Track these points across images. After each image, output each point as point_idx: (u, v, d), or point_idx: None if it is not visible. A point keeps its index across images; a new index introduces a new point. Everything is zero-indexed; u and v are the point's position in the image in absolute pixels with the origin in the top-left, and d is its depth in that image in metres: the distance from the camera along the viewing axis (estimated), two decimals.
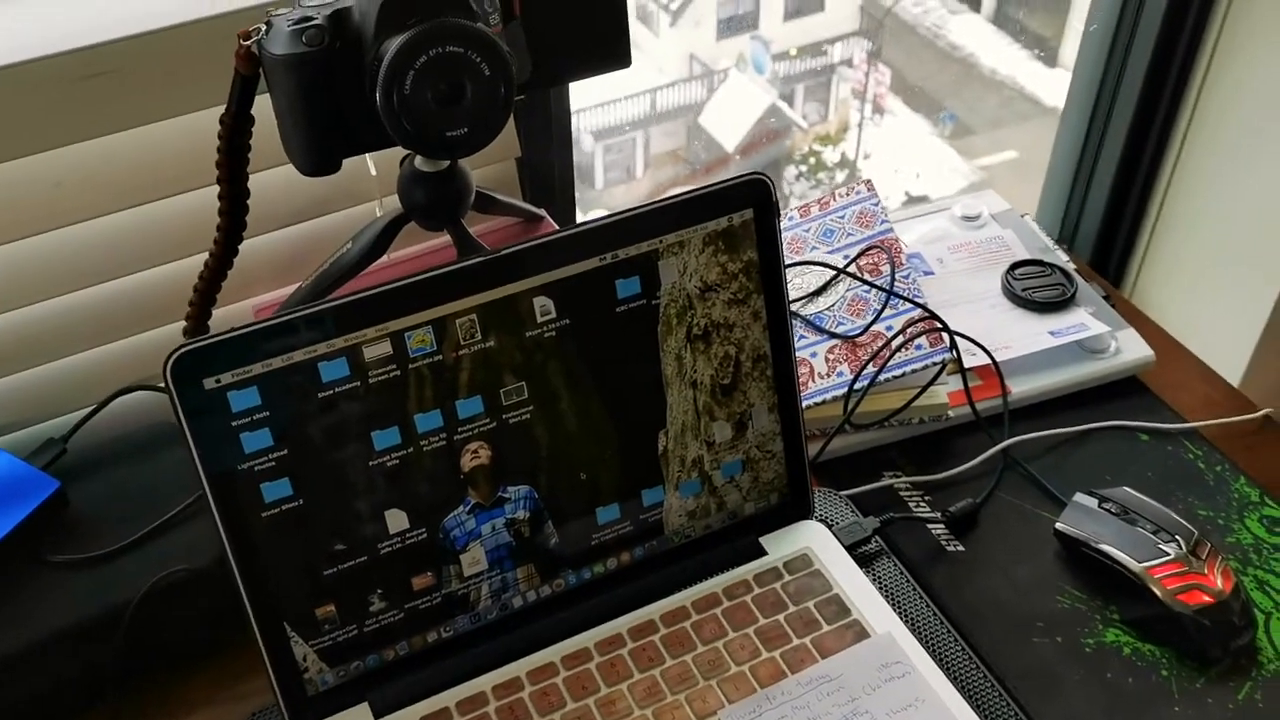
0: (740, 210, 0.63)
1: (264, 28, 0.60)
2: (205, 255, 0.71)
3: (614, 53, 0.69)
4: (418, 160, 0.66)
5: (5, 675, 0.63)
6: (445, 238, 0.71)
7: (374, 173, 0.76)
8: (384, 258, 0.73)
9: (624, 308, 0.62)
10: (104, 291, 0.72)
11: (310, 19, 0.58)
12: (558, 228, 0.81)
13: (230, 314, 0.75)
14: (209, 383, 0.55)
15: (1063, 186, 1.16)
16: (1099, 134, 1.10)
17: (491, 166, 0.81)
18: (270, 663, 0.60)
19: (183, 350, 0.54)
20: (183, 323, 0.74)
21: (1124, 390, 0.82)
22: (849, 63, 6.30)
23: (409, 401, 0.59)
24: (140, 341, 0.75)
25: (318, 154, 0.61)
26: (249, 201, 0.67)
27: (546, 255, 0.60)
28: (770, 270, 0.64)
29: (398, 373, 0.59)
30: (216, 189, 0.66)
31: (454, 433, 0.61)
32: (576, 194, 0.89)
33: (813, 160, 5.94)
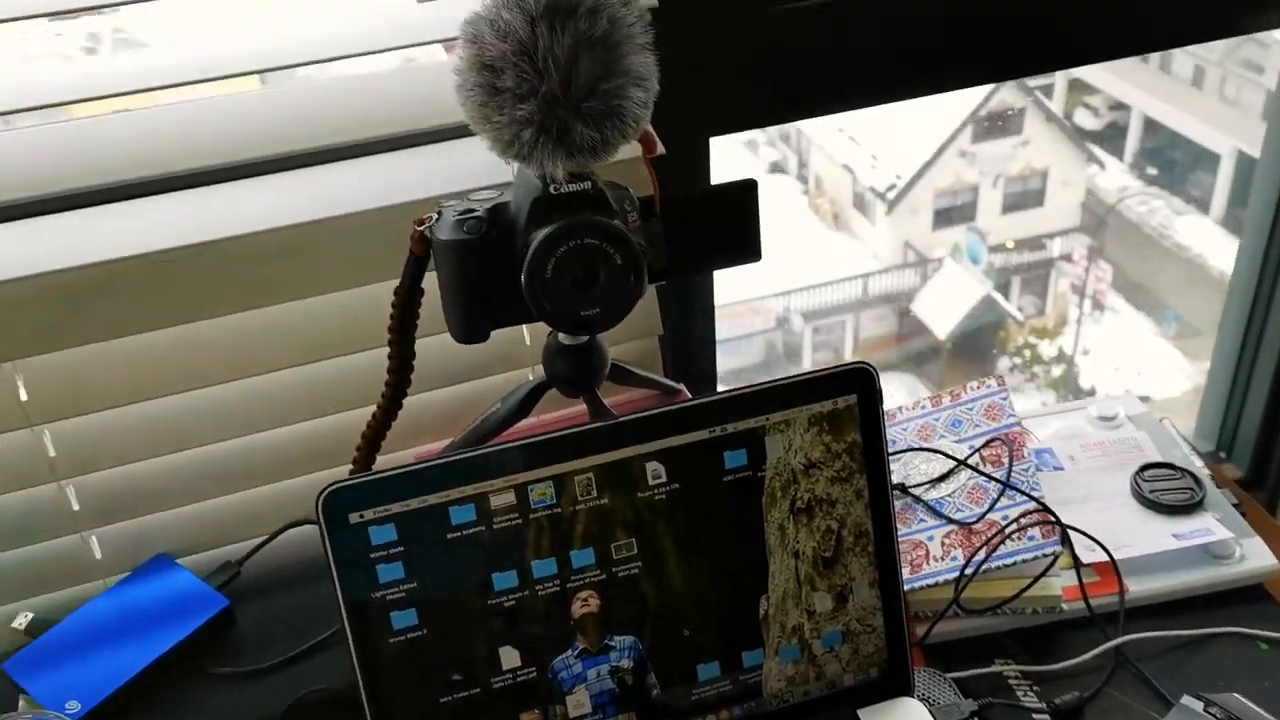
0: (845, 395, 0.68)
1: (435, 215, 0.70)
2: (374, 408, 0.80)
3: (746, 249, 0.76)
4: (560, 334, 0.74)
5: None
6: (584, 406, 0.78)
7: (528, 343, 0.85)
8: (530, 418, 0.81)
9: (731, 477, 0.67)
10: (284, 434, 0.82)
11: (473, 210, 0.67)
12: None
13: (393, 460, 0.84)
14: (354, 517, 0.63)
15: (1220, 395, 1.15)
16: (1253, 348, 1.10)
17: (635, 342, 0.89)
18: None
19: (334, 487, 0.62)
20: (349, 466, 0.84)
21: (1247, 598, 0.81)
22: (1069, 258, 6.25)
23: (527, 548, 0.66)
24: (311, 480, 0.85)
25: (470, 326, 0.70)
26: (414, 362, 0.76)
27: (660, 424, 0.66)
28: (874, 452, 0.69)
29: (519, 521, 0.65)
30: (387, 350, 0.76)
31: (567, 580, 0.67)
32: (783, 370, 0.96)
33: (1028, 353, 5.87)
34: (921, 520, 0.84)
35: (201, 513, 0.83)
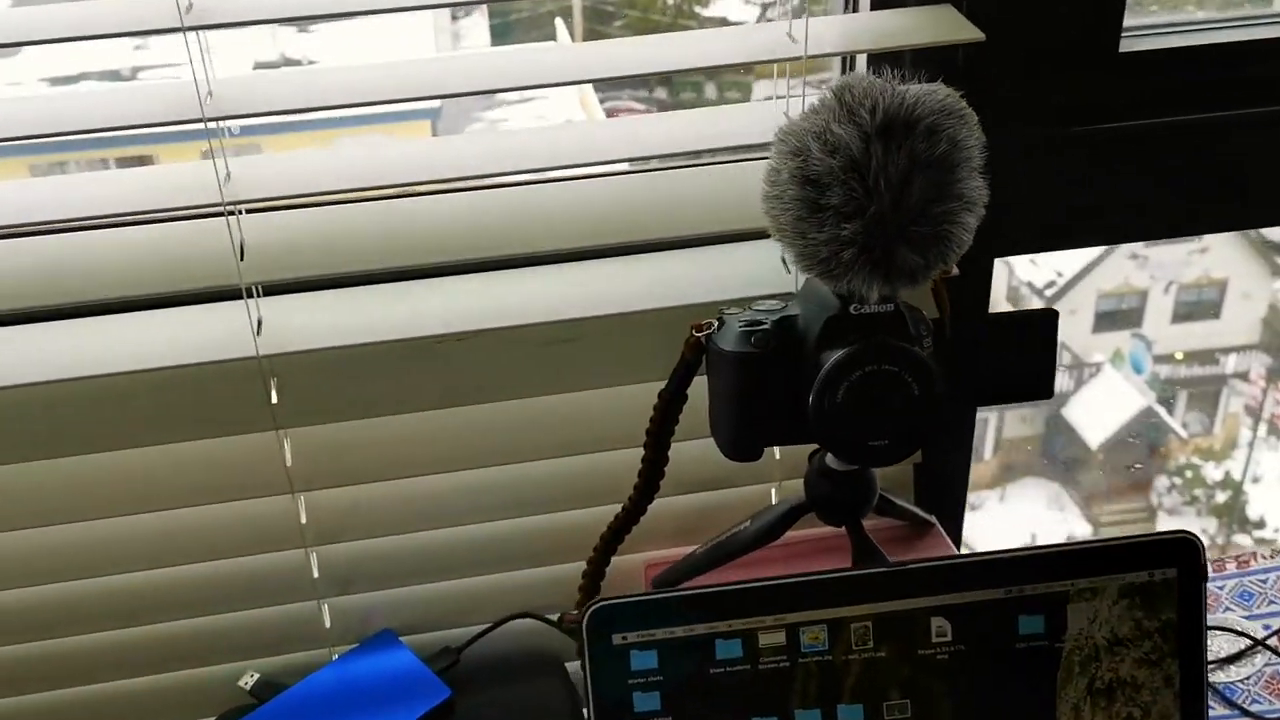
0: (1163, 568, 0.61)
1: (716, 323, 0.66)
2: (610, 507, 0.77)
3: (1038, 384, 0.70)
4: (828, 457, 0.69)
5: None
6: (834, 531, 0.73)
7: (777, 457, 0.81)
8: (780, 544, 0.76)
9: (1024, 645, 0.61)
10: (519, 525, 0.80)
11: (760, 323, 0.64)
12: (945, 537, 0.82)
13: (622, 563, 0.81)
14: (617, 638, 0.59)
15: None
16: None
17: (892, 469, 0.83)
18: None
19: (602, 604, 0.59)
20: (574, 564, 0.81)
21: None
22: (1244, 376, 5.91)
23: (792, 694, 0.61)
24: (536, 574, 0.82)
25: (745, 442, 0.66)
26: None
27: (952, 577, 0.60)
28: (1190, 636, 0.61)
29: (787, 664, 0.60)
30: (639, 451, 0.72)
31: None
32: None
33: (1189, 474, 5.53)
34: (1211, 708, 0.75)
35: (428, 593, 0.81)
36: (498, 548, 0.81)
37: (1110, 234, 0.84)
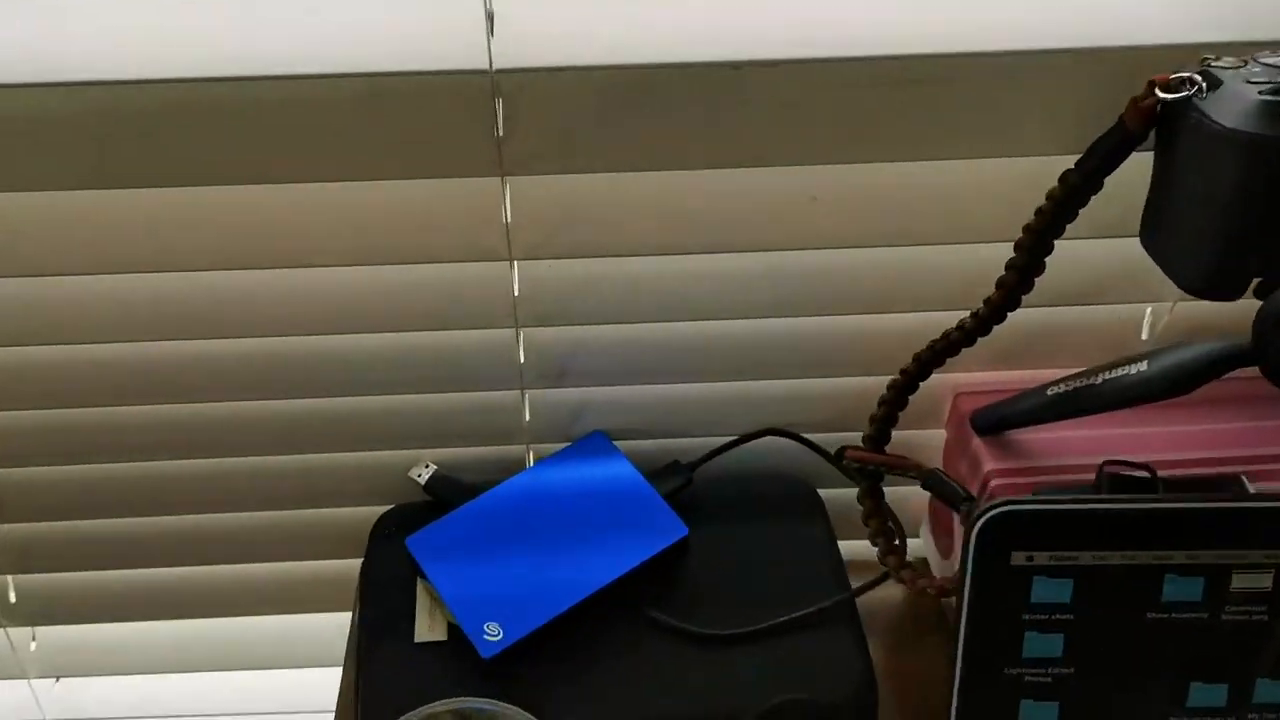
0: None
1: (1201, 80, 0.42)
2: (925, 316, 0.56)
3: None
4: None
5: None
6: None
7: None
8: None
9: None
10: (792, 324, 0.59)
11: None
12: None
13: (947, 382, 0.60)
14: (1017, 557, 0.39)
15: None
16: None
17: None
18: None
19: (1004, 510, 0.39)
20: (844, 379, 0.61)
21: None
22: None
23: (1261, 659, 0.41)
24: (798, 386, 0.62)
25: (1229, 272, 0.43)
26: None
27: None
28: None
29: (1264, 617, 0.41)
30: (1004, 248, 0.51)
31: None
32: None
33: None
34: None
35: (652, 394, 0.62)
36: (751, 350, 0.60)
37: None
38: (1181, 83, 0.43)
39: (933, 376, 0.58)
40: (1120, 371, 0.52)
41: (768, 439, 0.63)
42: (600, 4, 0.47)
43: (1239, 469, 0.51)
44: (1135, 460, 0.50)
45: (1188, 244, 0.44)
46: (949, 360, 0.56)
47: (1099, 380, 0.52)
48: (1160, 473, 0.49)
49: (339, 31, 0.46)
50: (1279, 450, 0.53)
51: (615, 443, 0.62)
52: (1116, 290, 0.57)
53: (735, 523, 0.61)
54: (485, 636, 0.54)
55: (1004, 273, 0.51)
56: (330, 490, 0.64)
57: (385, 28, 0.46)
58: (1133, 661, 0.41)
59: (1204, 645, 0.41)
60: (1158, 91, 0.43)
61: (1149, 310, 0.60)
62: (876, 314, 0.59)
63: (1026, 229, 0.49)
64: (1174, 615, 0.40)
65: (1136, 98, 0.44)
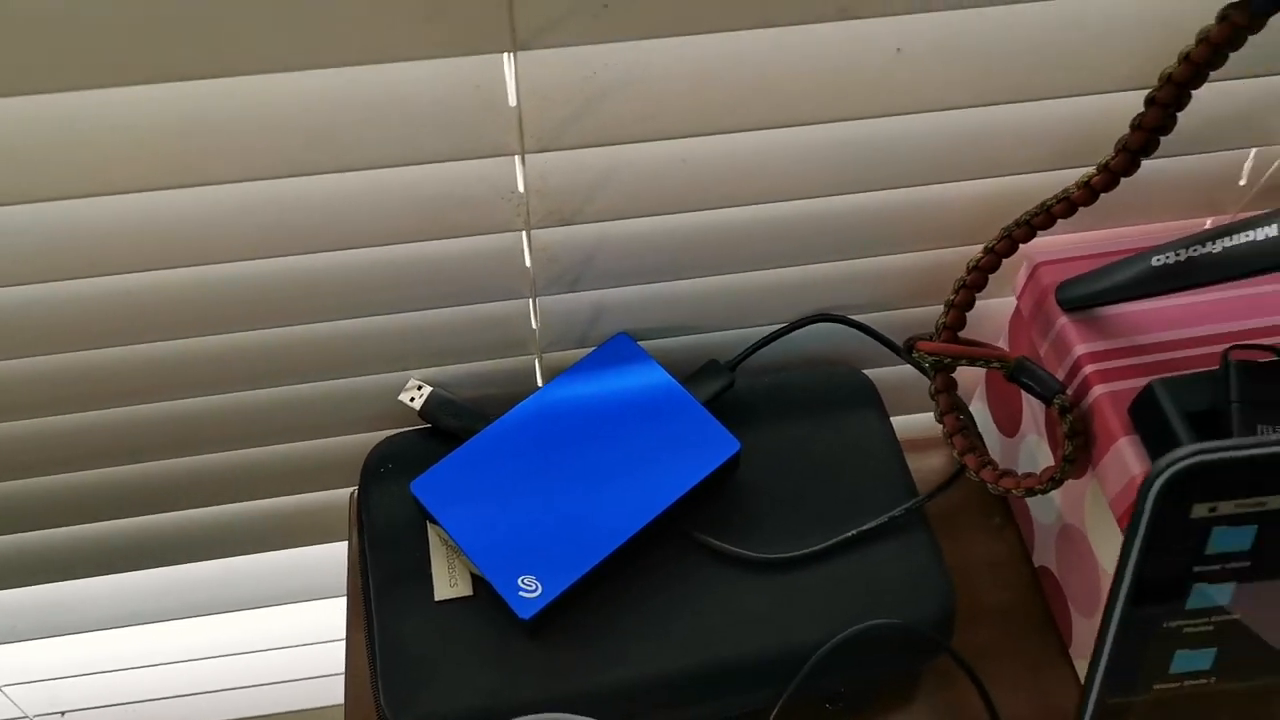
0: None
1: None
2: (1005, 180, 0.49)
3: None
4: None
5: (632, 709, 0.47)
6: None
7: None
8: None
9: None
10: (853, 200, 0.51)
11: None
12: None
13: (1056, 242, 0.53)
14: (1199, 509, 0.33)
15: None
16: None
17: None
18: None
19: (1195, 461, 0.32)
20: (904, 255, 0.53)
21: None
22: None
23: None
24: (846, 267, 0.54)
25: None
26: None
27: None
28: None
29: None
30: (1127, 99, 0.43)
31: None
32: None
33: None
34: None
35: (675, 288, 0.54)
36: (798, 233, 0.52)
37: None
38: None
39: (1051, 236, 0.51)
40: (1244, 236, 0.45)
41: (814, 326, 0.56)
42: None
43: None
44: (1266, 344, 0.44)
45: None
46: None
47: (1218, 247, 0.46)
48: None
49: None
50: None
51: (641, 344, 0.55)
52: (1218, 137, 0.50)
53: (787, 427, 0.55)
54: (521, 593, 0.47)
55: (1128, 133, 0.43)
56: (319, 422, 0.56)
57: None
58: None
59: None
60: None
61: (1252, 154, 0.52)
62: (949, 183, 0.50)
63: (1167, 79, 0.41)
64: None
65: None
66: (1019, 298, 0.54)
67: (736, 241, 0.51)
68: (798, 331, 0.56)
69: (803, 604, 0.50)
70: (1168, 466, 0.32)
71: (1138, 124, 0.42)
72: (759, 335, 0.56)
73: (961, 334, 0.51)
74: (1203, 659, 0.37)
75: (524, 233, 0.47)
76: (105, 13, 0.34)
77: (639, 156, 0.45)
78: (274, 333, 0.50)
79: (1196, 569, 0.35)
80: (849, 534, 0.51)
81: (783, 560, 0.51)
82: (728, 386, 0.54)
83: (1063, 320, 0.50)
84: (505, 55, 0.39)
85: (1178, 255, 0.47)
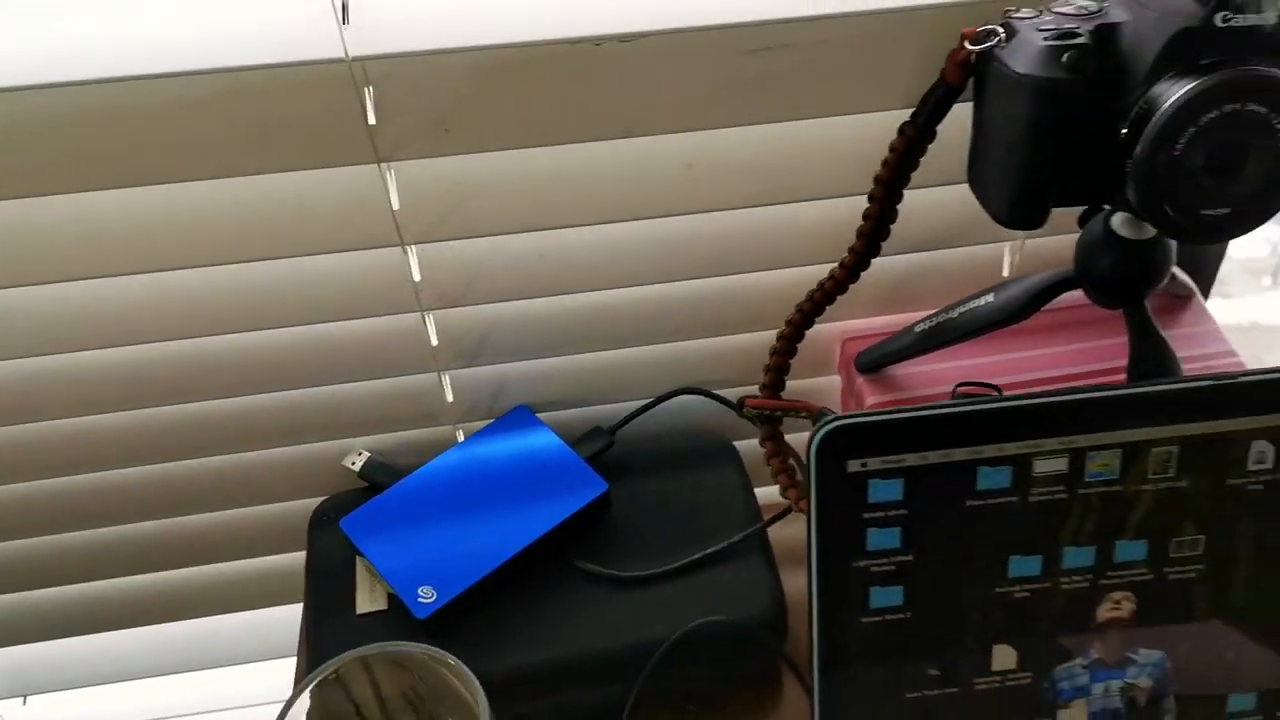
0: None
1: (1001, 32, 0.48)
2: (805, 270, 0.62)
3: None
4: (1115, 220, 0.53)
5: (513, 693, 0.58)
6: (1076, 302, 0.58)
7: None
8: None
9: None
10: (688, 288, 0.65)
11: (1073, 34, 0.45)
12: (1207, 311, 0.66)
13: (811, 335, 0.66)
14: (853, 464, 0.45)
15: None
16: None
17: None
18: None
19: (836, 425, 0.44)
20: (743, 335, 0.67)
21: None
22: None
23: (1064, 530, 0.48)
24: (706, 344, 0.68)
25: (1029, 204, 0.49)
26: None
27: None
28: None
29: (1064, 495, 0.47)
30: (859, 203, 0.56)
31: (1101, 576, 0.49)
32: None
33: None
34: None
35: (568, 364, 0.68)
36: (659, 316, 0.66)
37: None
38: (987, 34, 0.48)
39: (824, 325, 0.64)
40: (971, 305, 0.58)
41: (683, 398, 0.69)
42: None
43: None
44: (986, 382, 0.56)
45: (995, 180, 0.50)
46: (833, 309, 0.62)
47: (955, 314, 0.59)
48: (1006, 391, 0.55)
49: (197, 28, 0.49)
50: (1107, 365, 0.60)
51: (540, 415, 0.68)
52: (980, 232, 0.63)
53: (655, 477, 0.67)
54: (420, 599, 0.60)
55: (862, 223, 0.57)
56: (267, 487, 0.69)
57: (244, 24, 0.49)
58: (959, 543, 0.47)
59: (1017, 524, 0.46)
60: (967, 44, 0.49)
61: (1008, 248, 0.65)
62: (764, 271, 0.64)
63: (876, 180, 0.55)
64: (989, 501, 0.46)
65: (953, 51, 0.50)
66: (837, 368, 0.67)
67: (604, 321, 0.65)
68: (673, 402, 0.69)
69: (656, 612, 0.61)
70: (820, 428, 0.44)
71: (866, 215, 0.56)
72: (638, 406, 0.69)
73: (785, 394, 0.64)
74: (894, 595, 0.48)
75: (422, 314, 0.62)
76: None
77: (505, 247, 0.60)
78: (226, 403, 0.64)
79: (865, 515, 0.46)
80: (695, 556, 0.63)
81: (640, 578, 0.62)
82: (607, 446, 0.67)
83: (860, 379, 0.63)
84: (385, 166, 0.55)
85: (931, 322, 0.60)
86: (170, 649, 0.81)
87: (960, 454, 0.45)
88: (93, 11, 0.49)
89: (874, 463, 0.45)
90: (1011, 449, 0.46)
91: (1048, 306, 0.57)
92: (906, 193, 0.55)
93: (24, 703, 0.84)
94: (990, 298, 0.58)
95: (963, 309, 0.59)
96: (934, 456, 0.45)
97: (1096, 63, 0.45)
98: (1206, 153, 0.44)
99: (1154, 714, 0.52)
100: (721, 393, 0.68)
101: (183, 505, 0.70)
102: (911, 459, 0.45)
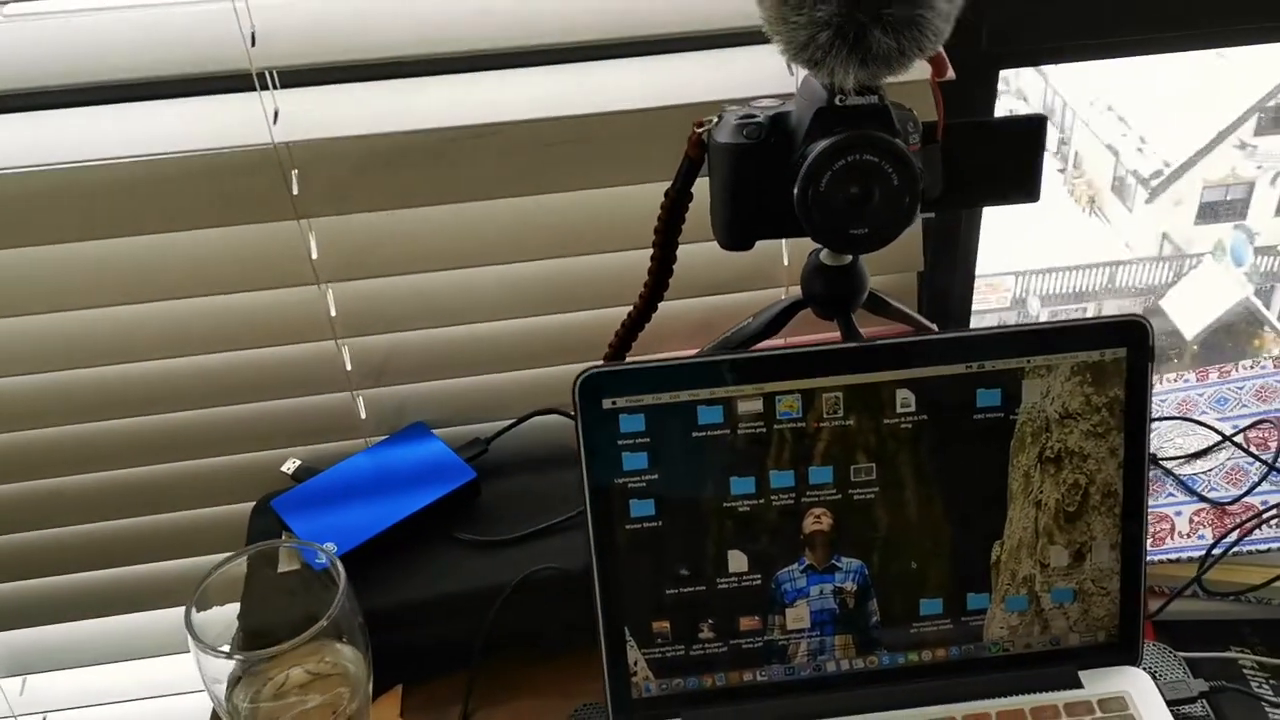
0: (1114, 347, 0.65)
1: (716, 119, 0.70)
2: (629, 307, 0.83)
3: (1025, 188, 0.74)
4: (823, 254, 0.74)
5: (398, 622, 0.76)
6: (836, 331, 0.78)
7: (786, 263, 0.86)
8: (778, 339, 0.81)
9: (981, 416, 0.66)
10: (541, 323, 0.86)
11: (754, 116, 0.68)
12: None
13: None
14: (607, 402, 0.65)
15: None
16: None
17: (894, 275, 0.87)
18: (607, 658, 0.68)
19: (592, 371, 0.65)
20: (599, 363, 0.87)
21: None
22: None
23: (768, 457, 0.67)
24: (562, 371, 0.88)
25: (737, 232, 0.71)
26: (675, 267, 0.78)
27: (917, 353, 0.65)
28: (1136, 411, 0.66)
29: (763, 430, 0.66)
30: (649, 251, 0.78)
31: (802, 495, 0.67)
32: None
33: None
34: (1170, 494, 0.80)
35: (459, 389, 0.88)
36: (523, 345, 0.87)
37: (1116, 44, 0.85)
38: (707, 121, 0.71)
39: (647, 355, 0.84)
40: (742, 325, 0.79)
41: (549, 416, 0.89)
42: (365, 91, 0.75)
43: None
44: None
45: (716, 217, 0.71)
46: (649, 339, 0.82)
47: (730, 333, 0.79)
48: None
49: (170, 123, 0.73)
50: None
51: (435, 430, 0.88)
52: (757, 278, 0.85)
53: (521, 474, 0.87)
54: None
55: (650, 265, 0.78)
56: (226, 489, 0.89)
57: (204, 121, 0.74)
58: (691, 466, 0.66)
59: (732, 451, 0.66)
60: (695, 128, 0.71)
61: (784, 290, 0.87)
62: (593, 309, 0.85)
63: (655, 231, 0.77)
64: (708, 433, 0.66)
65: (690, 134, 0.72)
66: None
67: (484, 348, 0.85)
68: (544, 419, 0.89)
69: (509, 567, 0.80)
70: (581, 374, 0.64)
71: (651, 262, 0.77)
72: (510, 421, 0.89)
73: None
74: (648, 507, 0.67)
75: (337, 342, 0.83)
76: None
77: (402, 285, 0.81)
78: (170, 418, 0.85)
79: (619, 443, 0.66)
80: (541, 525, 0.82)
81: (499, 541, 0.81)
82: (482, 451, 0.87)
83: None
84: (304, 222, 0.77)
85: (717, 340, 0.81)
86: (141, 635, 0.99)
87: (684, 395, 0.65)
88: (100, 115, 0.72)
89: (621, 401, 0.65)
90: (721, 393, 0.65)
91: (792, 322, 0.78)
92: (703, 247, 0.76)
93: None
94: (751, 321, 0.79)
95: (735, 330, 0.80)
96: (665, 397, 0.65)
97: (770, 133, 0.67)
98: (844, 189, 0.66)
99: (862, 614, 0.70)
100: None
101: (154, 505, 0.89)
102: (648, 399, 0.65)
